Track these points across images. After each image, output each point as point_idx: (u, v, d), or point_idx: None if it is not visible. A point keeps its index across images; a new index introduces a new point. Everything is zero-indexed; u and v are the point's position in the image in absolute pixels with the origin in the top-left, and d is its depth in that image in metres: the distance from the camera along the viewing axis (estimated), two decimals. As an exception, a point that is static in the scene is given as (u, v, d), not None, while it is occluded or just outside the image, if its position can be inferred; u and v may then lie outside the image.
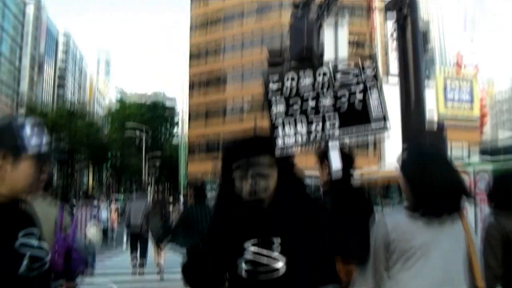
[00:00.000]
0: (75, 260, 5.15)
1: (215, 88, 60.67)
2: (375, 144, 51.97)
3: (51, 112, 67.54)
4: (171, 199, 23.27)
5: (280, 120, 2.61)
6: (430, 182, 2.49)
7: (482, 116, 60.80)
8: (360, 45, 50.77)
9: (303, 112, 2.62)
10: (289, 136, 2.60)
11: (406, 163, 2.52)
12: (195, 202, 7.55)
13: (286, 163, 2.50)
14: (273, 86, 2.65)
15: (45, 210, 4.86)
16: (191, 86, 64.02)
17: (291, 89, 2.64)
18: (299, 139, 2.60)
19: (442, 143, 7.99)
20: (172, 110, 78.89)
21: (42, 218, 4.74)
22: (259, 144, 2.45)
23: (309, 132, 2.60)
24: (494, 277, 3.46)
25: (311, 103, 2.62)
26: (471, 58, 63.53)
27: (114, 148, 71.47)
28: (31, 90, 71.43)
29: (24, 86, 69.07)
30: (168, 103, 77.87)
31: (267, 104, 2.64)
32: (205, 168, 56.75)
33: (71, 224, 5.28)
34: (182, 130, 69.39)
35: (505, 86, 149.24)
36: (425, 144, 7.64)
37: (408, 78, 8.34)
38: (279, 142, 2.57)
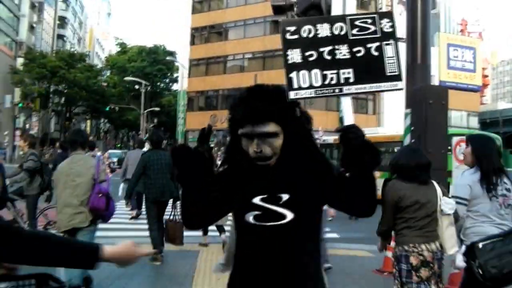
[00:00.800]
0: (112, 202, 6.31)
1: (215, 43, 60.14)
2: (374, 107, 51.99)
3: (51, 54, 67.05)
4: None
5: (294, 72, 2.59)
6: None
7: (483, 85, 60.73)
8: (365, 7, 50.22)
9: (319, 64, 2.60)
10: (303, 89, 2.59)
11: None
12: (151, 150, 9.17)
13: (293, 122, 2.47)
14: (289, 37, 2.64)
15: (85, 160, 6.26)
16: (192, 41, 63.48)
17: (307, 42, 2.62)
18: (312, 92, 2.60)
19: (444, 106, 7.94)
20: (171, 64, 78.13)
21: (83, 167, 6.08)
22: (265, 111, 2.39)
23: (323, 85, 2.59)
24: (387, 228, 4.87)
25: (327, 57, 2.61)
26: (475, 26, 63.17)
27: (113, 100, 71.24)
28: (30, 40, 70.80)
29: (23, 35, 68.37)
30: (168, 58, 77.01)
31: (284, 55, 2.62)
32: (203, 124, 56.69)
33: (105, 173, 6.45)
34: (181, 84, 69.00)
35: (507, 57, 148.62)
36: (427, 106, 7.63)
37: (415, 37, 8.32)
38: (292, 94, 2.56)
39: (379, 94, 49.68)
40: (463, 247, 4.62)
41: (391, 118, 45.01)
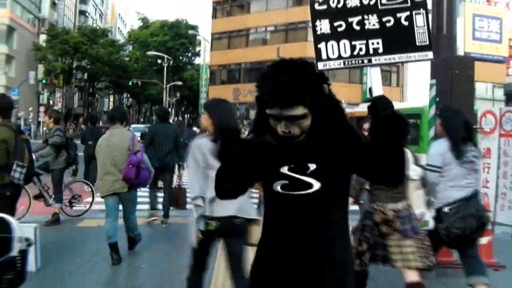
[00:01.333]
0: (144, 170, 7.16)
1: (237, 16, 59.88)
2: (398, 79, 51.56)
3: (73, 30, 67.33)
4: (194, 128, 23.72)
5: (323, 42, 2.60)
6: None
7: (510, 57, 59.62)
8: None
9: (347, 35, 2.59)
10: (332, 60, 2.60)
11: None
12: (158, 123, 10.51)
13: (321, 98, 2.42)
14: (318, 8, 2.63)
15: (123, 133, 7.23)
16: (214, 15, 63.27)
17: (336, 12, 2.61)
18: (341, 62, 2.60)
19: (470, 76, 7.82)
20: (194, 38, 78.02)
21: (121, 139, 6.97)
22: (292, 94, 2.32)
23: (351, 56, 2.58)
24: (359, 189, 5.20)
25: (356, 27, 2.59)
26: (502, -5, 61.83)
27: (135, 75, 71.48)
28: (52, 16, 71.09)
29: (45, 11, 68.69)
30: (190, 32, 76.91)
31: (312, 26, 2.62)
32: (225, 98, 56.68)
33: (139, 145, 7.27)
34: (203, 58, 68.99)
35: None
36: (453, 77, 7.53)
37: (441, 6, 8.18)
38: (321, 65, 2.59)
39: (402, 65, 49.22)
40: (433, 211, 5.34)
41: (415, 90, 44.60)
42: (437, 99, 7.99)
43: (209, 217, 4.30)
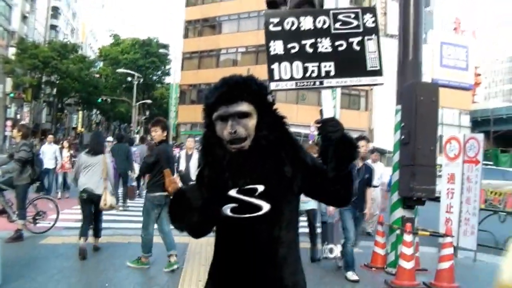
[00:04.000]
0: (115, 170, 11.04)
1: (209, 37, 60.06)
2: (367, 104, 52.06)
3: (43, 45, 66.43)
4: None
5: (276, 63, 2.65)
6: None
7: (475, 84, 60.86)
8: (359, 3, 50.26)
9: (300, 56, 2.64)
10: (284, 80, 2.64)
11: None
12: (116, 144, 15.57)
13: (265, 105, 2.50)
14: (272, 29, 2.70)
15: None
16: (185, 34, 63.38)
17: (290, 34, 2.66)
18: (293, 83, 2.64)
19: (435, 103, 7.97)
20: (165, 56, 78.14)
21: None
22: (238, 91, 2.44)
23: (304, 77, 2.63)
24: None
25: (309, 50, 2.64)
26: (469, 24, 63.23)
27: (105, 92, 70.85)
28: (22, 29, 70.26)
29: (15, 24, 67.82)
30: (161, 50, 76.87)
31: (266, 46, 2.70)
32: (195, 118, 56.74)
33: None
34: (174, 77, 68.98)
35: (501, 56, 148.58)
36: (418, 103, 7.66)
37: (407, 33, 8.35)
38: (273, 85, 2.63)
39: (371, 90, 49.80)
40: None
41: (383, 115, 45.11)
42: (403, 124, 8.13)
43: (82, 190, 8.46)
